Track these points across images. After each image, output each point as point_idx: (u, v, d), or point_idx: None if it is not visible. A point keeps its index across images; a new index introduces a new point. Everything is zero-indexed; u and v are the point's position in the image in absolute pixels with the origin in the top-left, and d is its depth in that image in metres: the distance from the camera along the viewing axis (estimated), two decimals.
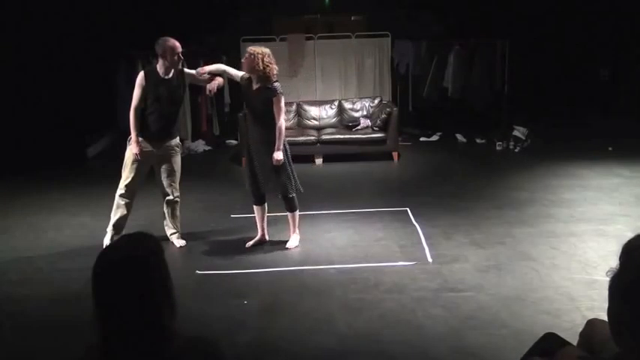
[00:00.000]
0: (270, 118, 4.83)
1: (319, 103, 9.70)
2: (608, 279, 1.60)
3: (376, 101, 9.54)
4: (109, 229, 5.21)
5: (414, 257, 4.86)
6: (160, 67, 5.03)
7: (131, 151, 5.06)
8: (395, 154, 8.90)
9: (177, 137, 5.32)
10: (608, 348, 1.92)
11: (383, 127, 8.85)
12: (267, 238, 5.34)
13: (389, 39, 10.16)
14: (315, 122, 9.51)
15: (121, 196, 5.17)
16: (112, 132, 10.14)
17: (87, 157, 9.52)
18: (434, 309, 3.92)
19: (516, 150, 9.26)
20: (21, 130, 8.29)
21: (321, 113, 9.56)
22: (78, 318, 3.46)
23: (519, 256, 4.81)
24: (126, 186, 5.14)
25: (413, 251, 5.00)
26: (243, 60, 4.86)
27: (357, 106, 9.55)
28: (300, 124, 9.54)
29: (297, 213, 5.22)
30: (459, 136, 10.29)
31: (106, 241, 5.11)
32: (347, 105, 9.58)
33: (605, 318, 1.65)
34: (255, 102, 4.89)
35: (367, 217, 6.00)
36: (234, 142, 10.38)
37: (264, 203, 5.22)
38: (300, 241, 5.27)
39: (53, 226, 6.02)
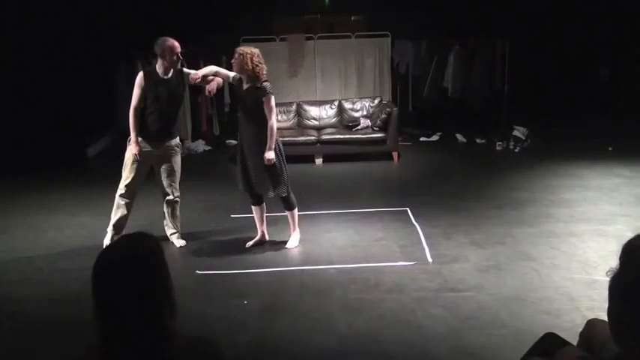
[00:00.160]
0: (262, 118, 4.83)
1: (319, 103, 9.70)
2: (608, 279, 1.60)
3: (376, 101, 9.54)
4: (110, 229, 5.21)
5: (414, 257, 4.86)
6: (159, 67, 5.02)
7: (131, 151, 5.06)
8: (395, 154, 8.90)
9: (177, 137, 5.32)
10: (608, 348, 1.92)
11: (383, 127, 8.85)
12: (267, 238, 5.34)
13: (389, 39, 10.16)
14: (315, 122, 9.52)
15: (121, 196, 5.17)
16: (112, 132, 10.14)
17: (87, 157, 9.53)
18: (434, 309, 3.92)
19: (516, 150, 9.26)
20: (21, 130, 8.29)
21: (321, 113, 9.56)
22: (78, 318, 3.46)
23: (519, 256, 4.81)
24: (126, 186, 5.15)
25: (413, 251, 5.00)
26: (232, 61, 4.87)
27: (357, 106, 9.55)
28: (300, 124, 9.55)
29: (296, 211, 5.22)
30: (459, 136, 10.30)
31: (106, 241, 5.11)
32: (347, 105, 9.59)
33: (605, 318, 1.65)
34: (246, 102, 4.90)
35: (367, 217, 6.00)
36: (234, 142, 10.35)
37: (262, 203, 5.22)
38: (300, 241, 5.27)
39: (53, 226, 6.03)
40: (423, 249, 5.05)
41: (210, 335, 1.80)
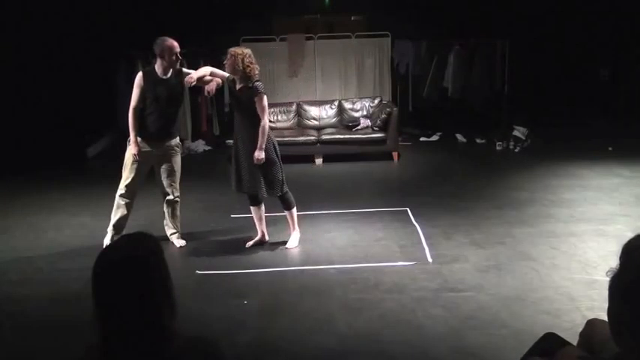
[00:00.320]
0: (256, 118, 4.83)
1: (319, 103, 9.70)
2: (608, 279, 1.60)
3: (376, 101, 9.54)
4: (110, 229, 5.21)
5: (414, 257, 4.86)
6: (158, 67, 5.02)
7: (130, 151, 5.06)
8: (395, 154, 8.90)
9: (177, 137, 5.32)
10: (608, 348, 1.92)
11: (383, 127, 8.85)
12: (266, 238, 5.33)
13: (389, 39, 10.16)
14: (315, 122, 9.52)
15: (121, 196, 5.17)
16: (112, 132, 10.13)
17: (87, 157, 9.53)
18: (434, 309, 3.92)
19: (516, 150, 9.26)
20: (21, 130, 8.30)
21: (321, 113, 9.56)
22: (78, 318, 3.46)
23: (519, 256, 4.81)
24: (126, 186, 5.14)
25: (413, 251, 5.00)
26: (224, 62, 4.88)
27: (357, 106, 9.55)
28: (300, 124, 9.55)
29: (295, 210, 5.21)
30: (459, 136, 10.29)
31: (106, 241, 5.10)
32: (347, 105, 9.58)
33: (605, 318, 1.65)
34: (239, 102, 4.91)
35: (367, 217, 6.00)
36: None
37: (259, 204, 5.21)
38: (300, 241, 5.27)
39: (53, 226, 6.02)
40: (423, 249, 5.05)
41: (210, 335, 1.80)
